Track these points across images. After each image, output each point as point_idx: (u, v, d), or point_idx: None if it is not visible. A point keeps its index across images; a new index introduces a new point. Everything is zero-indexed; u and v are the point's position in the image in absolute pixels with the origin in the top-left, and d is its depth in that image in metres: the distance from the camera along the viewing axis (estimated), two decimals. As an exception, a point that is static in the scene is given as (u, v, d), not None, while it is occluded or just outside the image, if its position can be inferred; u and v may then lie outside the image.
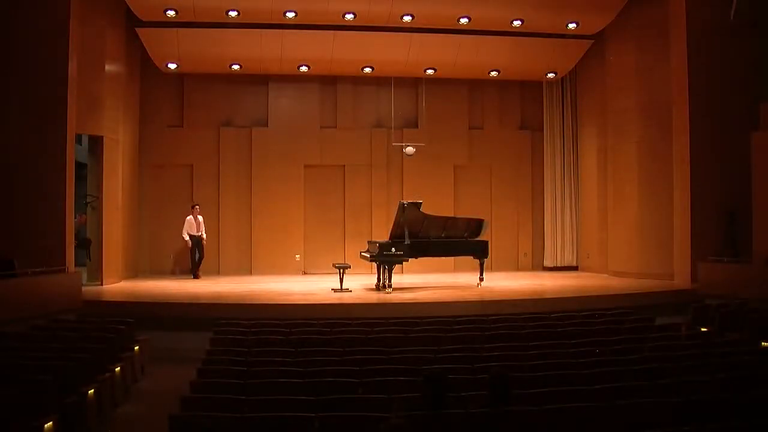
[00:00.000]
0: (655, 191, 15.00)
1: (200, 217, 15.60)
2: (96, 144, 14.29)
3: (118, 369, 7.51)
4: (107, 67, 14.17)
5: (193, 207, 15.62)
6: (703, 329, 9.26)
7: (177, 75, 16.72)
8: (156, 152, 16.76)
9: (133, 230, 16.05)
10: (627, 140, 15.65)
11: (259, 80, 17.17)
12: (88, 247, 14.07)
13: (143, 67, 16.42)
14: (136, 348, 8.70)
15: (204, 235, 15.63)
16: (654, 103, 15.03)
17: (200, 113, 17.04)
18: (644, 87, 15.26)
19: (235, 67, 16.25)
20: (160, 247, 16.74)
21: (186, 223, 15.51)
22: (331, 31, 15.39)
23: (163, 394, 7.49)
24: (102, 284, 13.76)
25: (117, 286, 14.16)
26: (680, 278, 14.00)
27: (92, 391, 6.52)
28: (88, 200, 14.40)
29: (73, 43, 12.23)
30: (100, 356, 7.42)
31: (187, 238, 15.49)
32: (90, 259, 14.03)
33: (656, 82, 14.97)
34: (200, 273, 15.69)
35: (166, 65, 15.97)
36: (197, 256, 15.64)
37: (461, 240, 13.55)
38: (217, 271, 16.70)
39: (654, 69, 15.02)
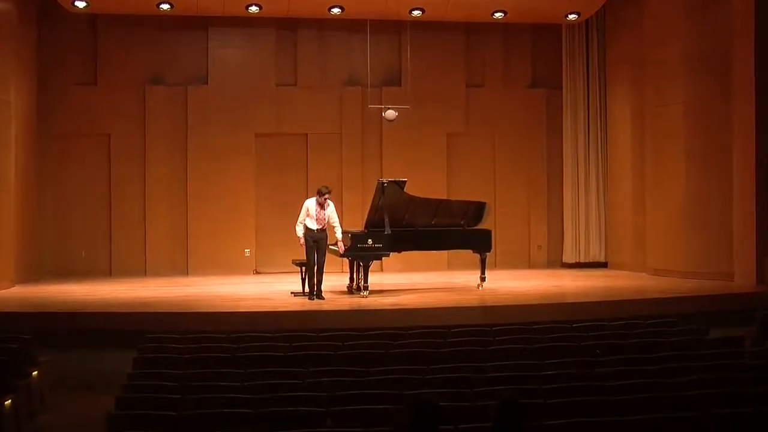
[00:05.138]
0: (708, 167, 15.05)
1: (328, 208, 12.75)
2: (-21, 107, 14.11)
3: (8, 402, 7.40)
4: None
5: (321, 194, 12.64)
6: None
7: (88, 17, 16.55)
8: (61, 118, 16.61)
9: (31, 220, 15.91)
10: (671, 101, 15.68)
11: (196, 24, 17.04)
12: None
13: (42, 6, 16.20)
14: (35, 372, 8.60)
15: (338, 232, 12.76)
16: (707, 53, 15.02)
17: (119, 68, 16.92)
18: (694, 31, 15.23)
19: (165, 6, 16.00)
20: (69, 242, 16.70)
21: (303, 209, 12.69)
22: (289, -40, 15.33)
23: (72, 431, 7.43)
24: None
25: (9, 292, 14.05)
26: (742, 278, 14.12)
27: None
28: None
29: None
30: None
31: (301, 233, 12.69)
32: None
33: (710, 25, 14.97)
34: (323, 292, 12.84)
35: (73, 3, 15.71)
36: (314, 264, 12.72)
37: (457, 229, 13.55)
38: (143, 272, 16.66)
39: (707, 7, 15.03)
